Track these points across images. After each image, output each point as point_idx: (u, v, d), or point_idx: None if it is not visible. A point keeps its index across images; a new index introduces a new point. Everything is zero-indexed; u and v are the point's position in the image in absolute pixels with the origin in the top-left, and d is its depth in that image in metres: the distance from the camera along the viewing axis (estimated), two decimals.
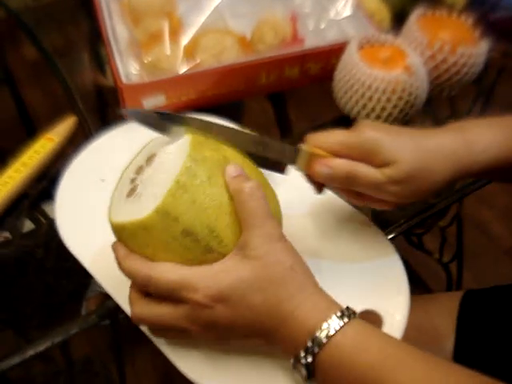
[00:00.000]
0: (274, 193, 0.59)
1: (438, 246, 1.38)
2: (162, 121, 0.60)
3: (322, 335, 0.49)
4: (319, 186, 0.63)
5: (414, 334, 0.61)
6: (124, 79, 0.80)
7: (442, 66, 0.85)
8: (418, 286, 1.54)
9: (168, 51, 0.82)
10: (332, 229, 0.70)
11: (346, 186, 0.60)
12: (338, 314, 0.50)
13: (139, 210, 0.52)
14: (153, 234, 0.51)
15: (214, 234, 0.52)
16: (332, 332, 0.49)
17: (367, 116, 0.82)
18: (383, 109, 0.81)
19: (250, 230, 0.52)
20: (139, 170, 0.57)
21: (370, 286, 0.64)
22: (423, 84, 0.82)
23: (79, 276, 0.65)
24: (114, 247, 0.55)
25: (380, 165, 0.58)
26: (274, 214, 0.56)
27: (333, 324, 0.49)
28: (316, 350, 0.49)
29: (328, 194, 0.73)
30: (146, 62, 0.82)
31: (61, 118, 0.83)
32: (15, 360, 0.62)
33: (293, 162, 0.61)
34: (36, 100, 1.52)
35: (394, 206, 0.62)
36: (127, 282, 0.63)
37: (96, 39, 0.95)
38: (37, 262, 0.72)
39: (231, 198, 0.53)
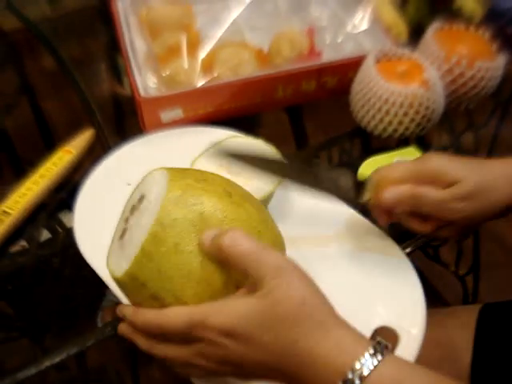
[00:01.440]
0: (271, 221, 0.58)
1: (454, 258, 1.37)
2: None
3: (356, 376, 0.45)
4: (385, 216, 0.66)
5: (430, 349, 0.61)
6: (142, 92, 0.81)
7: (460, 80, 0.84)
8: (434, 298, 1.53)
9: (186, 65, 0.83)
10: (348, 243, 0.70)
11: (413, 208, 0.63)
12: (371, 350, 0.46)
13: (120, 263, 0.52)
14: (131, 291, 0.53)
15: (181, 302, 0.51)
16: (366, 372, 0.45)
17: (384, 130, 0.82)
18: (400, 123, 0.81)
19: (253, 271, 0.49)
20: (133, 210, 0.55)
21: (386, 301, 0.64)
22: (440, 98, 0.81)
23: (95, 285, 0.65)
24: (120, 310, 0.55)
25: (446, 187, 0.62)
26: (272, 243, 0.55)
27: (366, 363, 0.45)
28: None
29: (344, 209, 0.73)
30: (163, 75, 0.83)
31: (79, 130, 0.84)
32: (31, 371, 0.62)
33: (362, 190, 0.65)
34: (54, 110, 1.53)
35: (458, 233, 0.66)
36: None
37: (114, 49, 0.95)
38: (53, 271, 0.73)
39: (203, 263, 0.50)
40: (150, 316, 0.51)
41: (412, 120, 0.80)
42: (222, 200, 0.52)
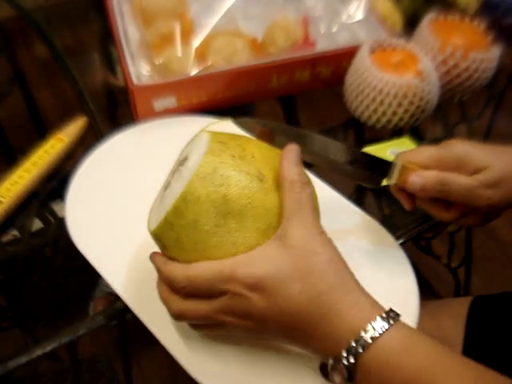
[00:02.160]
0: (316, 196, 0.59)
1: (446, 250, 1.37)
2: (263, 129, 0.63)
3: (368, 336, 0.47)
4: (410, 201, 0.66)
5: None
6: (135, 80, 0.80)
7: (454, 71, 0.84)
8: (426, 290, 1.53)
9: (179, 53, 0.82)
10: (340, 233, 0.70)
11: (439, 195, 0.62)
12: (384, 315, 0.49)
13: (153, 219, 0.55)
14: (159, 247, 0.55)
15: None
16: (378, 334, 0.48)
17: (378, 121, 0.82)
18: (394, 113, 0.81)
19: (292, 220, 0.51)
20: (178, 167, 0.56)
21: (379, 291, 0.63)
22: (434, 89, 0.81)
23: (87, 275, 0.65)
24: (152, 258, 0.56)
25: (471, 173, 0.62)
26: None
27: (378, 325, 0.48)
28: (360, 350, 0.47)
29: (338, 198, 0.73)
30: (157, 63, 0.82)
31: (71, 118, 0.83)
32: (22, 359, 0.61)
33: (385, 174, 0.64)
34: (47, 98, 1.52)
35: (483, 219, 0.65)
36: (136, 282, 0.63)
37: (107, 39, 0.95)
38: (45, 261, 0.73)
39: (218, 243, 0.51)
40: (179, 267, 0.52)
41: (406, 111, 0.80)
42: (251, 185, 0.52)
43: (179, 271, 0.52)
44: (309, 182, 0.54)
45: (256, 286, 0.49)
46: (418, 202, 0.66)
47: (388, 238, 0.69)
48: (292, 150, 0.55)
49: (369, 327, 0.48)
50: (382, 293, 0.62)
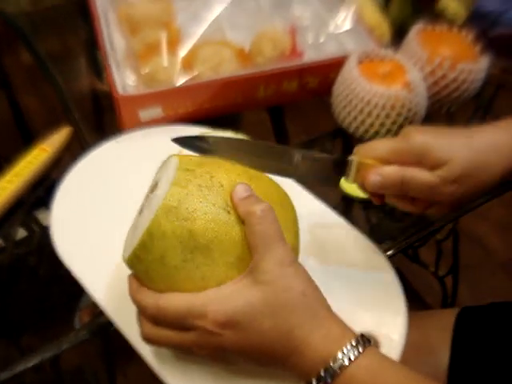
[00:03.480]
0: (293, 210, 0.58)
1: (433, 258, 1.37)
2: (202, 144, 0.59)
3: (336, 366, 0.48)
4: (378, 197, 0.63)
5: (409, 351, 0.60)
6: (120, 90, 0.79)
7: (442, 82, 0.84)
8: (413, 298, 1.53)
9: (165, 63, 0.82)
10: (327, 247, 0.69)
11: (400, 193, 0.60)
12: (353, 342, 0.49)
13: (126, 247, 0.54)
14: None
15: None
16: (346, 363, 0.48)
17: (365, 132, 0.82)
18: (382, 124, 0.80)
19: (261, 254, 0.50)
20: (149, 193, 0.56)
21: (366, 306, 0.63)
22: (422, 100, 0.81)
23: (72, 284, 0.64)
24: (128, 280, 0.55)
25: (432, 167, 0.58)
26: (293, 232, 0.55)
27: (347, 354, 0.48)
28: (329, 380, 0.48)
29: (322, 208, 0.72)
30: (143, 73, 0.81)
31: (57, 125, 0.82)
32: (4, 375, 0.61)
33: (343, 174, 0.61)
34: (32, 105, 1.51)
35: (448, 208, 0.62)
36: (119, 295, 0.62)
37: (93, 44, 0.94)
38: (29, 270, 0.72)
39: (185, 277, 0.50)
40: (150, 295, 0.52)
41: (394, 122, 0.80)
42: (218, 218, 0.50)
43: (150, 300, 0.51)
44: (268, 208, 0.51)
45: (227, 323, 0.49)
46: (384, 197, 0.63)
47: (375, 251, 0.68)
48: (239, 185, 0.53)
49: (338, 356, 0.48)
50: (369, 308, 0.63)
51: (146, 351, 0.58)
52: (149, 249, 0.50)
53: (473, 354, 0.76)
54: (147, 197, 0.55)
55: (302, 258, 0.66)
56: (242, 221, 0.51)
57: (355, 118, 0.81)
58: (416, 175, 0.58)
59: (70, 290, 0.71)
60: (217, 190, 0.51)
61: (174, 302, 0.50)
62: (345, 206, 0.78)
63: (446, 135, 0.60)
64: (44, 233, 0.70)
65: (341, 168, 0.61)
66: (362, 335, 0.50)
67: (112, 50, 0.86)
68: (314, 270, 0.66)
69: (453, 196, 0.59)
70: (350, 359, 0.48)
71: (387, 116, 0.79)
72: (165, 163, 0.56)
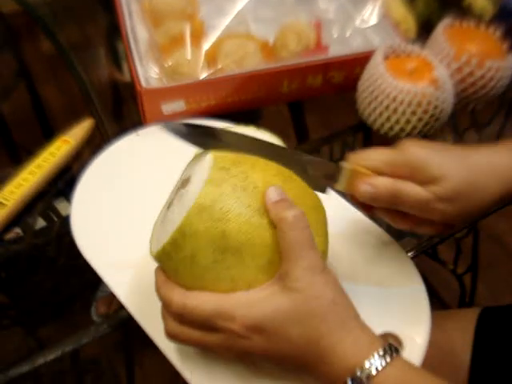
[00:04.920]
0: (324, 213, 0.57)
1: (452, 256, 1.36)
2: (197, 134, 0.59)
3: (364, 375, 0.47)
4: (366, 207, 0.61)
5: (430, 352, 0.60)
6: (143, 83, 0.79)
7: (469, 79, 0.83)
8: (431, 296, 1.52)
9: (189, 56, 0.81)
10: (351, 248, 0.68)
11: (391, 206, 0.58)
12: (381, 352, 0.48)
13: (155, 242, 0.54)
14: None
15: None
16: (374, 372, 0.47)
17: (391, 129, 0.81)
18: (408, 122, 0.79)
19: (292, 261, 0.49)
20: (179, 188, 0.55)
21: (390, 308, 0.62)
22: (449, 97, 0.80)
23: (89, 274, 0.65)
24: (155, 273, 0.54)
25: (426, 182, 0.56)
26: (323, 236, 0.55)
27: (375, 363, 0.48)
28: None
29: (346, 207, 0.71)
30: (166, 65, 0.81)
31: (77, 116, 0.82)
32: (24, 368, 0.61)
33: (334, 180, 0.59)
34: (52, 94, 1.52)
35: (439, 231, 0.60)
36: (139, 289, 0.63)
37: (113, 34, 0.94)
38: (48, 260, 0.72)
39: (215, 279, 0.50)
40: (176, 292, 0.51)
41: (420, 119, 0.79)
42: (251, 220, 0.50)
43: (177, 297, 0.51)
44: (300, 213, 0.50)
45: (256, 328, 0.49)
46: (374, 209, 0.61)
47: (401, 253, 0.68)
48: (272, 188, 0.52)
49: (366, 365, 0.48)
50: (393, 309, 0.62)
51: (166, 346, 0.58)
52: (180, 247, 0.50)
53: (494, 355, 0.76)
54: (177, 191, 0.55)
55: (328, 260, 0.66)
56: (274, 225, 0.50)
57: (380, 115, 0.80)
58: (408, 189, 0.56)
59: (88, 280, 0.72)
60: (251, 190, 0.51)
61: (201, 301, 0.50)
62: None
63: (444, 152, 0.58)
64: (63, 223, 0.71)
65: (332, 174, 0.59)
66: (390, 344, 0.49)
67: (135, 42, 0.85)
68: (339, 271, 0.66)
69: (444, 214, 0.57)
70: (377, 369, 0.47)
71: (413, 113, 0.78)
72: (198, 158, 0.55)
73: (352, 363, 0.48)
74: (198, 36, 0.84)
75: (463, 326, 0.80)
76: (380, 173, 0.57)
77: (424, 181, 0.56)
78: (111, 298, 0.65)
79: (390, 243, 0.69)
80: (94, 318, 0.86)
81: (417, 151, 0.57)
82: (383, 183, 0.57)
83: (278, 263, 0.50)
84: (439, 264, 1.39)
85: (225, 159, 0.53)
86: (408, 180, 0.57)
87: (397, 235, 0.69)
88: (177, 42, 0.83)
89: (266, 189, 0.51)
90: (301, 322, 0.49)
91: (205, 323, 0.50)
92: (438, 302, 1.54)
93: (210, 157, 0.53)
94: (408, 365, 0.50)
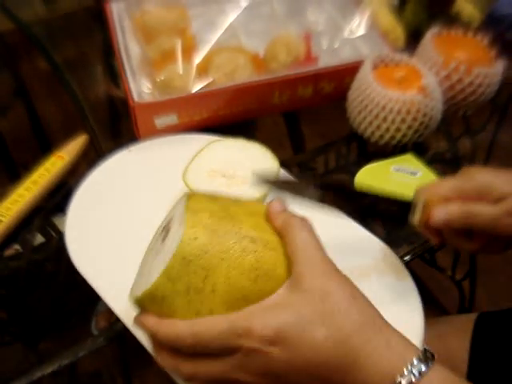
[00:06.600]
0: None
1: (450, 262, 1.36)
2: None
3: (405, 381, 0.44)
4: (437, 236, 0.63)
5: None
6: (136, 98, 0.80)
7: (458, 86, 0.83)
8: (430, 303, 1.52)
9: (181, 70, 0.82)
10: (343, 252, 0.68)
11: (464, 226, 0.59)
12: (421, 356, 0.45)
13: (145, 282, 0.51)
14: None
15: None
16: (415, 379, 0.44)
17: (381, 137, 0.81)
18: (398, 130, 0.80)
19: (304, 262, 0.48)
20: (160, 232, 0.54)
21: (383, 312, 0.62)
22: (438, 105, 0.81)
23: (89, 289, 0.65)
24: (139, 319, 0.51)
25: (494, 201, 0.58)
26: None
27: (416, 369, 0.44)
28: None
29: (337, 213, 0.72)
30: (158, 80, 0.82)
31: (74, 133, 0.83)
32: (22, 382, 0.61)
33: (408, 212, 0.61)
34: (50, 111, 1.52)
35: (502, 250, 0.63)
36: None
37: (110, 50, 0.95)
38: (47, 276, 0.73)
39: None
40: (181, 324, 0.47)
41: (409, 127, 0.80)
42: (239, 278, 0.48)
43: (183, 328, 0.47)
44: (306, 218, 0.51)
45: (276, 338, 0.45)
46: (445, 235, 0.63)
47: (392, 256, 0.68)
48: (273, 201, 0.53)
49: (405, 371, 0.44)
50: (385, 314, 0.62)
51: None
52: (158, 298, 0.48)
53: (491, 360, 0.76)
54: (158, 237, 0.54)
55: None
56: (278, 233, 0.51)
57: (370, 123, 0.81)
58: (479, 208, 0.58)
59: (88, 295, 0.72)
60: (207, 293, 0.48)
61: (212, 324, 0.46)
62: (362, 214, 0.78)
63: (506, 173, 0.61)
64: (61, 238, 0.70)
65: (405, 208, 0.61)
66: (426, 350, 0.46)
67: (127, 58, 0.86)
68: None
69: None
70: (419, 374, 0.44)
71: (403, 121, 0.79)
72: (175, 206, 0.55)
73: (390, 368, 0.45)
74: (189, 50, 0.85)
75: (460, 331, 0.80)
76: (448, 200, 0.60)
77: (492, 200, 0.58)
78: (111, 312, 0.65)
79: (384, 251, 0.69)
80: (94, 332, 0.86)
81: (482, 175, 0.60)
82: (455, 206, 0.59)
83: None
84: (438, 271, 1.39)
85: (193, 208, 0.50)
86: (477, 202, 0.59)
87: (394, 243, 0.70)
88: (168, 56, 0.84)
89: (226, 293, 0.48)
90: (324, 322, 0.45)
91: (219, 346, 0.46)
92: (437, 309, 1.54)
93: (183, 210, 0.50)
94: (447, 371, 0.47)
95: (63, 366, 0.63)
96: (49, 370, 0.62)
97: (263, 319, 0.46)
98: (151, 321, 0.49)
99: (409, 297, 0.64)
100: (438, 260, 1.36)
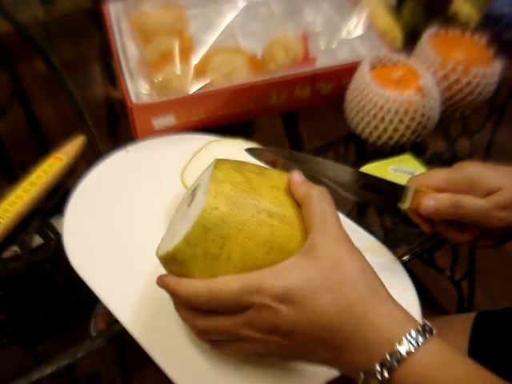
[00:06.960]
0: None
1: (449, 263, 1.36)
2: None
3: (403, 349, 0.45)
4: (428, 224, 0.66)
5: None
6: (134, 99, 0.80)
7: (455, 87, 0.84)
8: (428, 303, 1.52)
9: (178, 71, 0.82)
10: None
11: (452, 217, 0.62)
12: (419, 328, 0.47)
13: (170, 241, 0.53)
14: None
15: None
16: (413, 348, 0.45)
17: (379, 137, 0.81)
18: (395, 130, 0.80)
19: (319, 232, 0.50)
20: (191, 195, 0.56)
21: None
22: (436, 105, 0.81)
23: (88, 291, 0.65)
24: (162, 279, 0.53)
25: (484, 195, 0.61)
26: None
27: (414, 339, 0.46)
28: (395, 364, 0.45)
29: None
30: (156, 81, 0.82)
31: (72, 134, 0.83)
32: (21, 383, 0.61)
33: (399, 199, 0.64)
34: (48, 113, 1.52)
35: (496, 243, 0.64)
36: (133, 303, 0.63)
37: (107, 51, 0.95)
38: (45, 277, 0.73)
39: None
40: (199, 282, 0.50)
41: (407, 127, 0.80)
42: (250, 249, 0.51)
43: (200, 287, 0.50)
44: (325, 190, 0.53)
45: (284, 298, 0.47)
46: (435, 224, 0.65)
47: (390, 257, 0.68)
48: (295, 172, 0.55)
49: (404, 340, 0.46)
50: None
51: (162, 359, 0.59)
52: (180, 260, 0.51)
53: (490, 359, 0.76)
54: (188, 198, 0.56)
55: None
56: (298, 202, 0.53)
57: (368, 124, 0.81)
58: (468, 200, 0.61)
59: (86, 296, 0.72)
60: (223, 260, 0.51)
61: (227, 283, 0.49)
62: (359, 211, 0.78)
63: (498, 167, 0.63)
64: (59, 240, 0.70)
65: (397, 193, 0.64)
66: (426, 324, 0.48)
67: (125, 59, 0.86)
68: None
69: (503, 222, 0.61)
70: (417, 343, 0.46)
71: (400, 121, 0.79)
72: (205, 173, 0.57)
73: (389, 336, 0.46)
74: (186, 51, 0.85)
75: (459, 331, 0.80)
76: (440, 191, 0.63)
77: (482, 193, 0.61)
78: (109, 313, 0.65)
79: (382, 251, 0.69)
80: (93, 333, 0.86)
81: (473, 168, 0.63)
82: (445, 196, 0.62)
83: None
84: (436, 271, 1.39)
85: (221, 177, 0.52)
86: (467, 194, 0.62)
87: (391, 244, 0.70)
88: (166, 57, 0.84)
89: (240, 262, 0.51)
90: (331, 289, 0.48)
91: (233, 303, 0.49)
92: (436, 309, 1.54)
93: (212, 172, 0.53)
94: (445, 344, 0.48)
95: (62, 367, 0.63)
96: (47, 371, 0.62)
97: (274, 280, 0.48)
98: (172, 280, 0.52)
99: (407, 297, 0.65)
100: (437, 260, 1.36)
